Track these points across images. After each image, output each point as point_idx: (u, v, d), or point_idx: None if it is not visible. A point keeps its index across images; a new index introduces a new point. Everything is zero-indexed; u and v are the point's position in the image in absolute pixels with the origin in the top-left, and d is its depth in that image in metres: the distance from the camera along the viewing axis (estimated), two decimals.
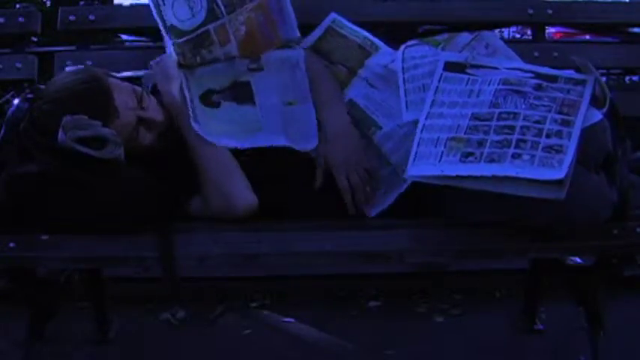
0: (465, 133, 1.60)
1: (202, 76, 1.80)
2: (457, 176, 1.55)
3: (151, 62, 1.82)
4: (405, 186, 1.70)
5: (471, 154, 1.57)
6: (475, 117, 1.62)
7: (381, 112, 1.79)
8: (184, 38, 1.80)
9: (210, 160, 1.71)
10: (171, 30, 1.81)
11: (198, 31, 1.81)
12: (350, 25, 1.97)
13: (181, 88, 1.77)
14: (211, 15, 1.81)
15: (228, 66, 1.83)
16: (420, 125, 1.66)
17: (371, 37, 1.94)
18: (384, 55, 1.89)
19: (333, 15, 1.98)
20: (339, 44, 1.95)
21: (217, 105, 1.77)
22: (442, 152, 1.60)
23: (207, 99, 1.77)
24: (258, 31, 1.85)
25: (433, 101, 1.70)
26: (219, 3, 1.82)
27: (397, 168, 1.72)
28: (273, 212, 1.69)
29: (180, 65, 1.80)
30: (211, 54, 1.82)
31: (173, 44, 1.81)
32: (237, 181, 1.70)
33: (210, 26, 1.81)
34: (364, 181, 1.73)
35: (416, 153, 1.62)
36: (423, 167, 1.60)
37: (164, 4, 1.81)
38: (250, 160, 1.72)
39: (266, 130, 1.77)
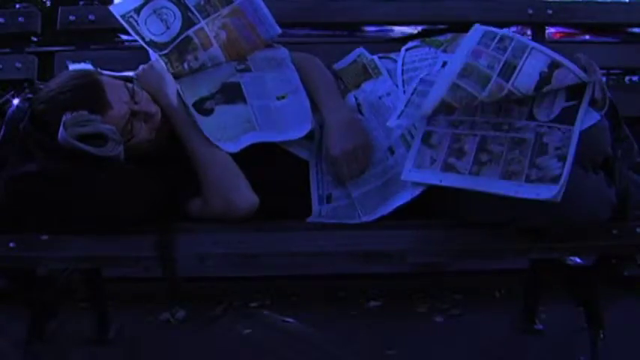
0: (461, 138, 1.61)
1: (193, 84, 1.81)
2: (452, 171, 1.57)
3: (141, 67, 1.82)
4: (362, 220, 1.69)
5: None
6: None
7: None
8: (167, 49, 1.82)
9: (210, 162, 1.70)
10: (151, 44, 1.84)
11: (179, 38, 1.83)
12: (370, 55, 1.94)
13: (178, 92, 1.77)
14: (187, 22, 1.86)
15: (216, 70, 1.83)
16: (411, 88, 1.68)
17: (378, 61, 1.91)
18: (383, 83, 1.85)
19: (360, 50, 1.96)
20: (350, 67, 1.94)
21: (211, 112, 1.77)
22: (440, 157, 1.60)
23: (201, 107, 1.77)
24: (240, 35, 1.88)
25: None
26: (194, 10, 1.87)
27: (357, 204, 1.70)
28: (271, 217, 1.70)
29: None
30: (197, 60, 1.83)
31: (159, 56, 1.82)
32: (237, 182, 1.69)
33: (190, 31, 1.85)
34: (362, 168, 1.72)
35: (402, 111, 1.66)
36: (420, 175, 1.62)
37: (137, 24, 1.85)
38: (247, 166, 1.72)
39: (260, 128, 1.76)
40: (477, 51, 1.62)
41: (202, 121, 1.75)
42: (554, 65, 1.60)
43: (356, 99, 1.81)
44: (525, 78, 1.59)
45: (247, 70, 1.85)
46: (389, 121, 1.67)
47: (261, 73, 1.85)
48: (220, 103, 1.78)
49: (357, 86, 1.86)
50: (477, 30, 1.68)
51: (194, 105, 1.77)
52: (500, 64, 1.59)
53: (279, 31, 1.93)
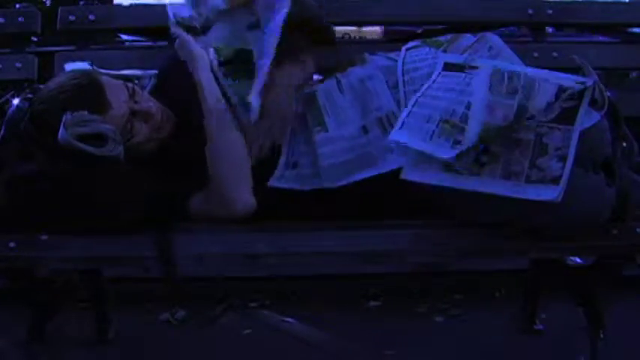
0: (459, 120, 1.60)
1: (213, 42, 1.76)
2: (452, 171, 1.57)
3: (176, 45, 1.77)
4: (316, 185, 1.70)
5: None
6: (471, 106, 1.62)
7: (334, 117, 1.75)
8: None
9: (224, 152, 1.69)
10: None
11: None
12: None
13: (211, 68, 1.74)
14: None
15: (227, 25, 1.77)
16: (412, 100, 1.67)
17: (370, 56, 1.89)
18: (367, 69, 1.83)
19: None
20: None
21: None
22: (433, 131, 1.60)
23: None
24: None
25: (429, 87, 1.70)
26: None
27: (322, 173, 1.71)
28: (271, 213, 1.69)
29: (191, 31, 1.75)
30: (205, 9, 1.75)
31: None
32: (241, 181, 1.68)
33: None
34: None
35: (403, 122, 1.63)
36: (410, 138, 1.61)
37: None
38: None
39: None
40: (491, 105, 1.59)
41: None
42: (560, 91, 1.60)
43: (337, 78, 1.81)
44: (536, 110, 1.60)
45: (257, 27, 1.77)
46: (391, 134, 1.65)
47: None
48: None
49: (344, 70, 1.85)
50: (487, 68, 1.65)
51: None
52: (514, 110, 1.58)
53: None
